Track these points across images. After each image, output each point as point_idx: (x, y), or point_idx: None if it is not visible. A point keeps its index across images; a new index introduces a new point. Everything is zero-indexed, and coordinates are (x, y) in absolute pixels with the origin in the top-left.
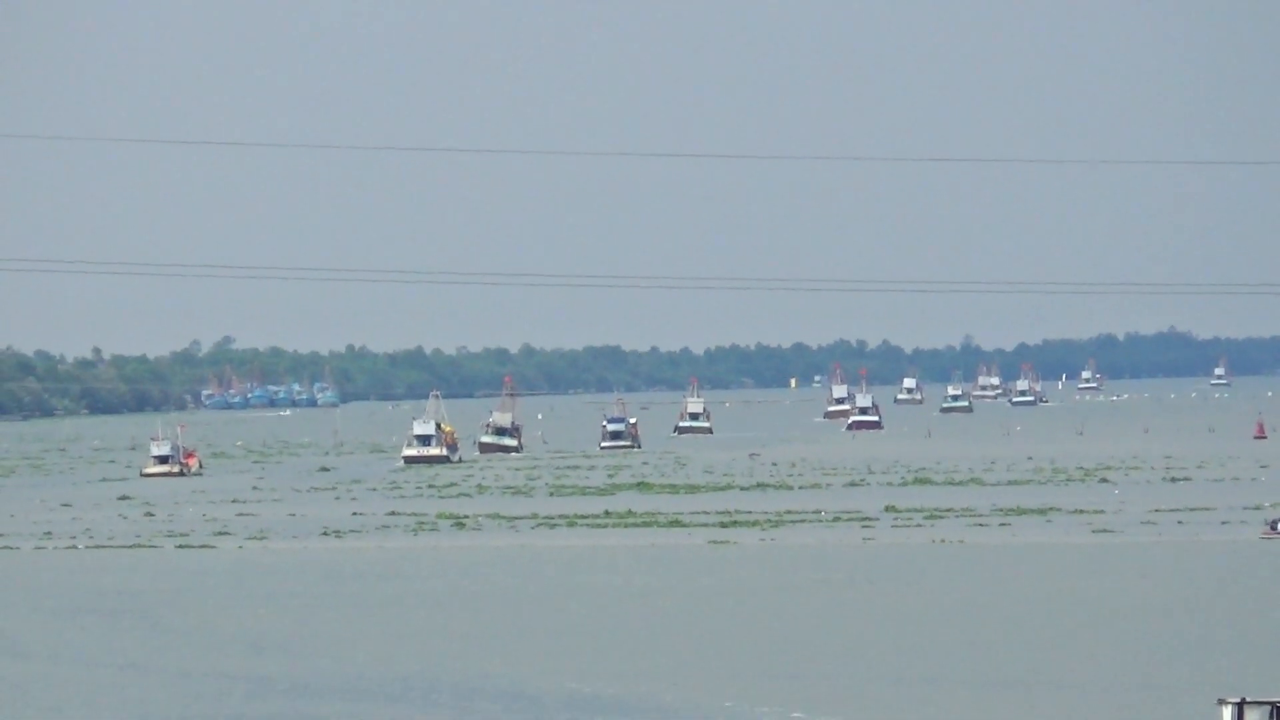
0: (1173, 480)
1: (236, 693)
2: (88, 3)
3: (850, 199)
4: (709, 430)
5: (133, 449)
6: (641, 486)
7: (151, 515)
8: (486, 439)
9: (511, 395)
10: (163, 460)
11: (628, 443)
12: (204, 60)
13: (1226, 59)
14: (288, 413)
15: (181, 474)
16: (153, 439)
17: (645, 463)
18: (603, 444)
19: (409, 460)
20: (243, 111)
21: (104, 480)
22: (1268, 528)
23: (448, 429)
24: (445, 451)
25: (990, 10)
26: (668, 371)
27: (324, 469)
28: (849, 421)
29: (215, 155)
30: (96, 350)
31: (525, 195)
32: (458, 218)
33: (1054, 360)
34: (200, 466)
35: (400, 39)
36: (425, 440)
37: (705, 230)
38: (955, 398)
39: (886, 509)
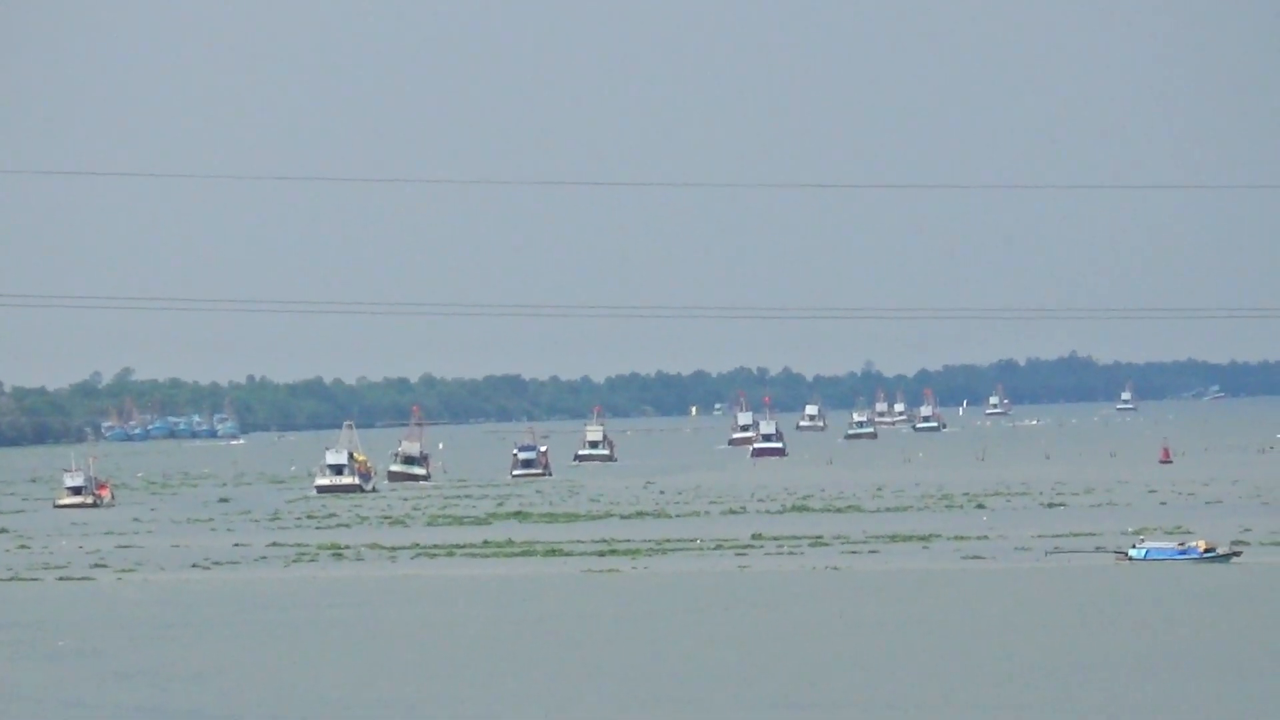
0: (1049, 506)
1: None
2: None
3: (749, 226)
4: (610, 458)
5: (33, 481)
6: (519, 515)
7: (27, 548)
8: (396, 468)
9: (420, 424)
10: (76, 491)
11: (539, 470)
12: (98, 90)
13: (1127, 85)
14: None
15: (95, 505)
16: (66, 470)
17: (539, 491)
18: (514, 472)
19: (322, 489)
20: (139, 142)
21: None
22: (1120, 554)
23: (361, 458)
24: (358, 480)
25: (894, 40)
26: (568, 400)
27: (223, 500)
28: (752, 449)
29: (111, 186)
30: None
31: (424, 225)
32: (357, 247)
33: (956, 386)
34: (113, 497)
35: (297, 70)
36: (338, 469)
37: (604, 259)
38: (860, 424)
39: (754, 536)
